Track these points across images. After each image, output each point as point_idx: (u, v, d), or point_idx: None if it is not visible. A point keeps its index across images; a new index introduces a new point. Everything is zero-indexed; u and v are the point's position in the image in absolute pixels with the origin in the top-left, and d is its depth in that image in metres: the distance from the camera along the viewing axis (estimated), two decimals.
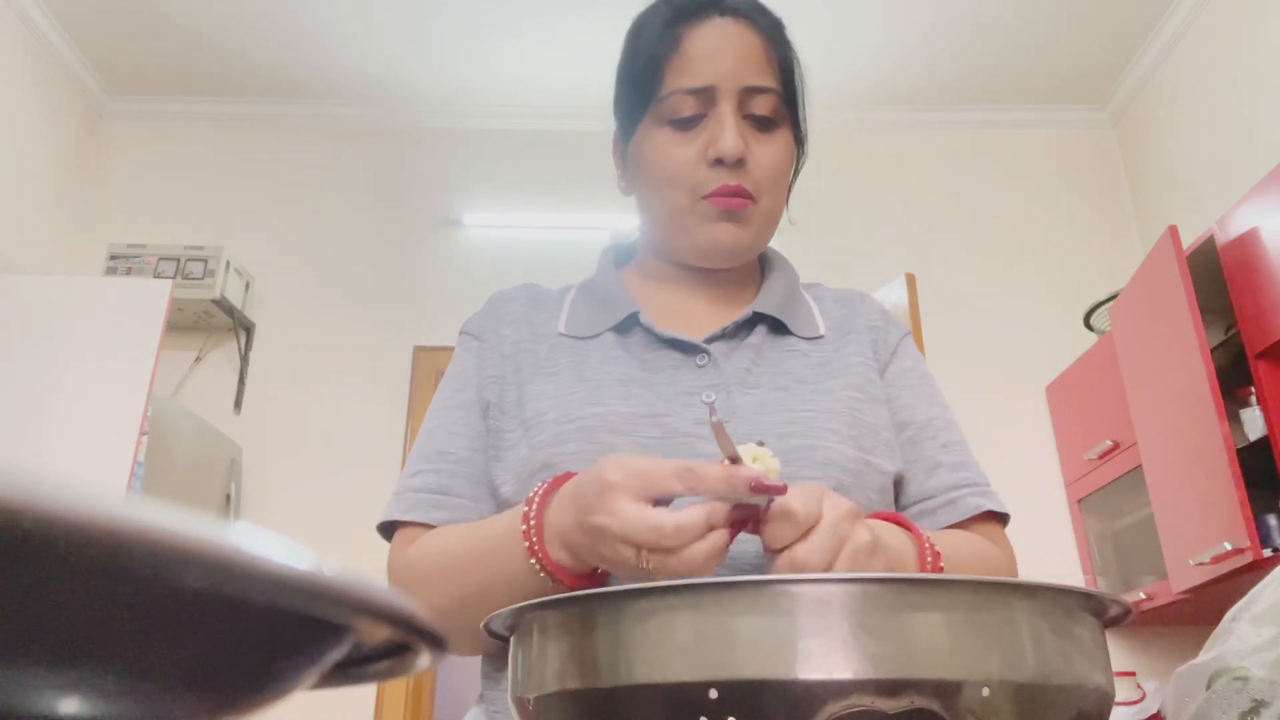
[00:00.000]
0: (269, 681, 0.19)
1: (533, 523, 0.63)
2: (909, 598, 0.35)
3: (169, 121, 3.35)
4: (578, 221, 3.20)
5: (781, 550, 0.56)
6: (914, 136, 3.38)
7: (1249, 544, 1.95)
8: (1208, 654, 0.58)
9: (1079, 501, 2.82)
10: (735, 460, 0.56)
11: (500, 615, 0.42)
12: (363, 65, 3.18)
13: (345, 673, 0.23)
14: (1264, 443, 2.09)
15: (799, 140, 0.85)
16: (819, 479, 0.72)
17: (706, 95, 0.79)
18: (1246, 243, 2.15)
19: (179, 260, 2.91)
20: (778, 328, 0.83)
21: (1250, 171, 2.48)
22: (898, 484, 0.80)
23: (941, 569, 0.65)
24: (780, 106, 0.81)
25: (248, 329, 3.05)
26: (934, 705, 0.33)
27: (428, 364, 3.03)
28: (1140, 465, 2.41)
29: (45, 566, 0.13)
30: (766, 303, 0.84)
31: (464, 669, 3.43)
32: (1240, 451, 2.04)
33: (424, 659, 0.23)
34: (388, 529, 0.79)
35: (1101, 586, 2.73)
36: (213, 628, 0.17)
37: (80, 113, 3.23)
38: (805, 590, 0.35)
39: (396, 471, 2.89)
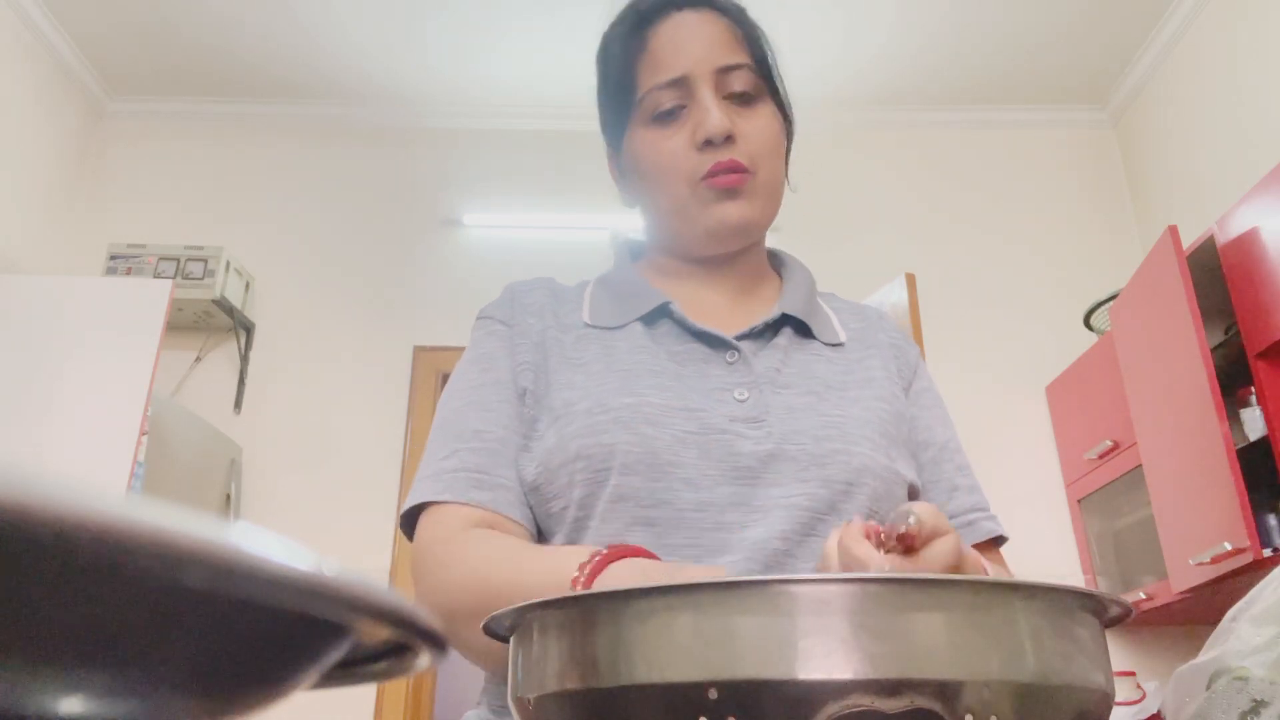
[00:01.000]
0: (269, 681, 0.19)
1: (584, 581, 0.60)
2: (909, 598, 0.35)
3: (169, 121, 3.35)
4: (578, 221, 3.20)
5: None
6: (914, 136, 3.38)
7: (1249, 544, 1.95)
8: (1208, 654, 0.58)
9: (1079, 501, 2.82)
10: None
11: (500, 615, 0.42)
12: (362, 65, 3.18)
13: (345, 673, 0.23)
14: (1264, 443, 2.09)
15: (784, 112, 0.86)
16: (854, 485, 0.73)
17: (682, 85, 0.79)
18: (1246, 243, 2.15)
19: (179, 260, 2.91)
20: (802, 330, 0.83)
21: (1250, 171, 2.48)
22: (913, 498, 0.81)
23: None
24: (757, 80, 0.82)
25: (248, 329, 3.05)
26: (934, 705, 0.33)
27: (428, 364, 3.03)
28: (1140, 465, 2.41)
29: (46, 566, 0.13)
30: (793, 304, 0.83)
31: (464, 669, 3.43)
32: (1240, 451, 2.04)
33: (424, 659, 0.23)
34: (412, 516, 0.74)
35: (1101, 586, 2.73)
36: (213, 628, 0.17)
37: (80, 113, 3.23)
38: (805, 590, 0.35)
39: (397, 471, 2.90)
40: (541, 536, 0.76)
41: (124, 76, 3.25)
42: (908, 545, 0.55)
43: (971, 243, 3.23)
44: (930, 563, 0.55)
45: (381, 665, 0.23)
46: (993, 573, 0.74)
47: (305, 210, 3.25)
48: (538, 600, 0.41)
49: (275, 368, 3.04)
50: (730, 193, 0.79)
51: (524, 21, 2.98)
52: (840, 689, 0.33)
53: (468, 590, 0.67)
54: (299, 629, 0.18)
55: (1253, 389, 2.16)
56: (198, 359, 3.04)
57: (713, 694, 0.34)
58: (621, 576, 0.59)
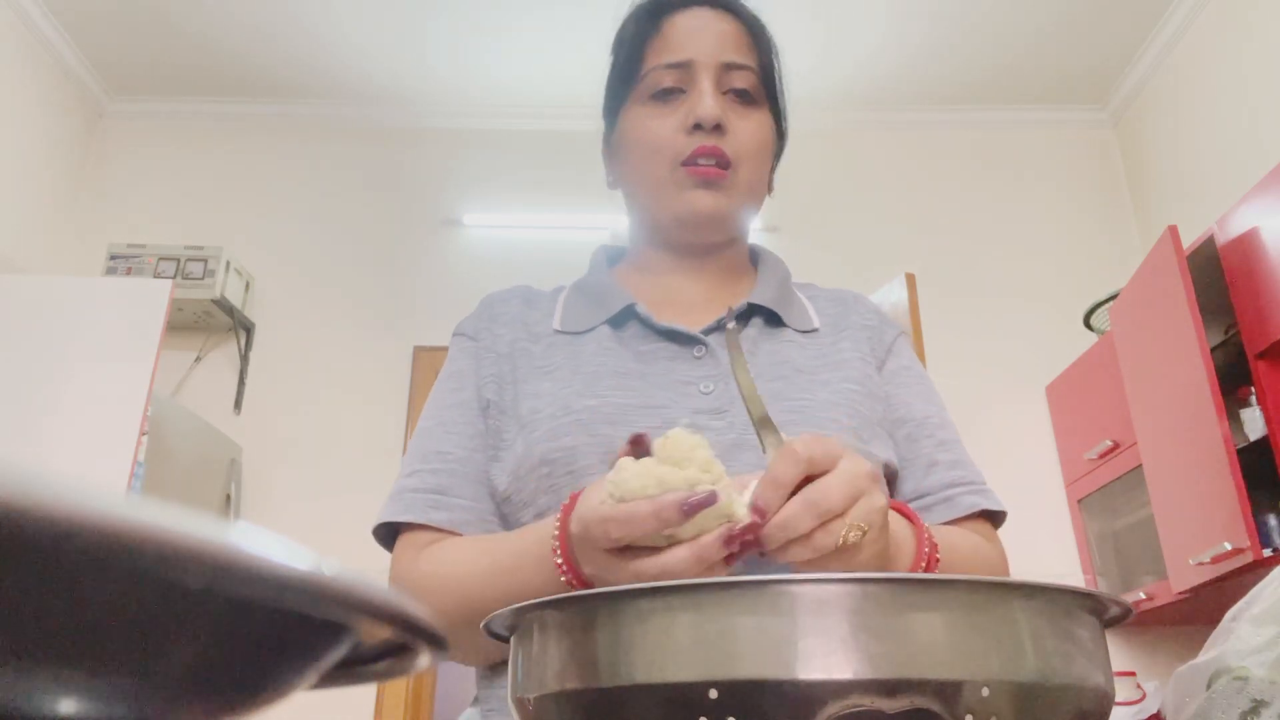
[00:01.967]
0: (269, 681, 0.19)
1: (558, 549, 0.61)
2: (909, 598, 0.35)
3: (169, 121, 3.35)
4: (578, 221, 3.20)
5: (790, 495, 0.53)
6: (914, 136, 3.38)
7: (1249, 544, 1.95)
8: (1208, 654, 0.58)
9: (1079, 501, 2.82)
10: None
11: (500, 615, 0.42)
12: (362, 65, 3.18)
13: (345, 673, 0.23)
14: (1264, 443, 2.09)
15: (779, 125, 0.87)
16: None
17: (685, 69, 0.81)
18: (1246, 243, 2.15)
19: (179, 260, 2.91)
20: (773, 320, 0.84)
21: (1250, 171, 2.48)
22: (892, 480, 0.80)
23: (938, 560, 0.64)
24: (759, 85, 0.84)
25: (248, 329, 3.05)
26: (934, 705, 0.33)
27: (428, 364, 3.03)
28: (1140, 465, 2.41)
29: (45, 566, 0.13)
30: (762, 295, 0.84)
31: (464, 669, 3.43)
32: (1240, 451, 2.04)
33: (424, 659, 0.23)
34: (384, 531, 0.78)
35: (1101, 586, 2.73)
36: (213, 628, 0.17)
37: (80, 113, 3.23)
38: (805, 590, 0.35)
39: (397, 471, 2.89)
40: None
41: (124, 76, 3.25)
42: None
43: (971, 243, 3.22)
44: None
45: (381, 665, 0.23)
46: (965, 545, 0.72)
47: (305, 210, 3.25)
48: (537, 600, 0.41)
49: (275, 368, 3.04)
50: (707, 183, 0.80)
51: (524, 22, 2.98)
52: (840, 689, 0.33)
53: (458, 594, 0.69)
54: (299, 629, 0.18)
55: (1253, 389, 2.16)
56: (198, 359, 3.04)
57: (713, 694, 0.34)
58: (589, 502, 0.58)
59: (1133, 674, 2.51)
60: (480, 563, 0.69)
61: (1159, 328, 2.27)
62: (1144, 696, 2.41)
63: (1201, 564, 2.10)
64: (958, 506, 0.78)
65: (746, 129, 0.82)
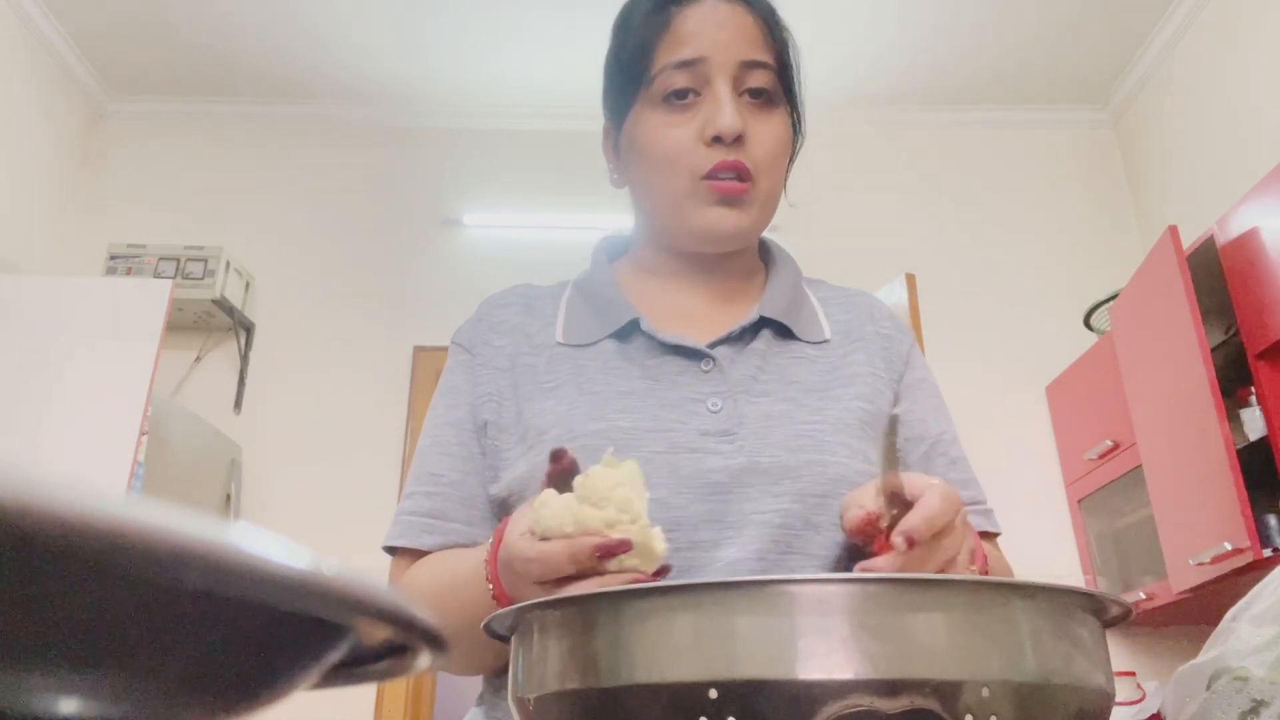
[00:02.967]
0: (269, 681, 0.19)
1: (488, 571, 0.64)
2: (909, 598, 0.35)
3: (169, 121, 3.35)
4: (578, 221, 3.20)
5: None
6: (914, 136, 3.38)
7: (1249, 544, 1.95)
8: (1208, 654, 0.58)
9: (1079, 501, 2.82)
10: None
11: (501, 615, 0.42)
12: (362, 66, 3.18)
13: (345, 673, 0.23)
14: (1264, 443, 2.09)
15: (795, 123, 0.83)
16: (828, 496, 0.71)
17: (699, 69, 0.76)
18: (1246, 243, 2.15)
19: (179, 260, 2.91)
20: (783, 332, 0.81)
21: (1250, 171, 2.48)
22: None
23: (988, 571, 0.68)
24: (777, 84, 0.79)
25: (248, 329, 3.05)
26: (933, 705, 0.33)
27: (428, 364, 3.03)
28: (1140, 465, 2.41)
29: (45, 566, 0.13)
30: (772, 306, 0.81)
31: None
32: (1240, 451, 2.04)
33: (424, 659, 0.23)
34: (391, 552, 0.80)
35: (1101, 586, 2.73)
36: (213, 628, 0.17)
37: (80, 113, 3.23)
38: (805, 590, 0.35)
39: (396, 471, 2.90)
40: None
41: (124, 76, 3.25)
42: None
43: (971, 243, 3.22)
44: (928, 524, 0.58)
45: (381, 665, 0.23)
46: (991, 562, 0.75)
47: (305, 210, 3.25)
48: (537, 600, 0.41)
49: (275, 368, 3.04)
50: (729, 200, 0.77)
51: (525, 22, 2.98)
52: (840, 689, 0.33)
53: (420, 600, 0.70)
54: (299, 629, 0.18)
55: (1253, 389, 2.15)
56: (198, 359, 3.04)
57: (713, 694, 0.34)
58: (513, 533, 0.61)
59: (1133, 674, 2.51)
60: (441, 580, 0.71)
61: (1159, 328, 2.27)
62: (1144, 696, 2.41)
63: (1201, 564, 2.10)
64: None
65: (767, 135, 0.78)
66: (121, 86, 3.30)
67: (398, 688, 2.70)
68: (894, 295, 2.55)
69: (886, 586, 0.35)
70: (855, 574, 0.44)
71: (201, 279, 2.88)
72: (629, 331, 0.80)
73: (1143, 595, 2.47)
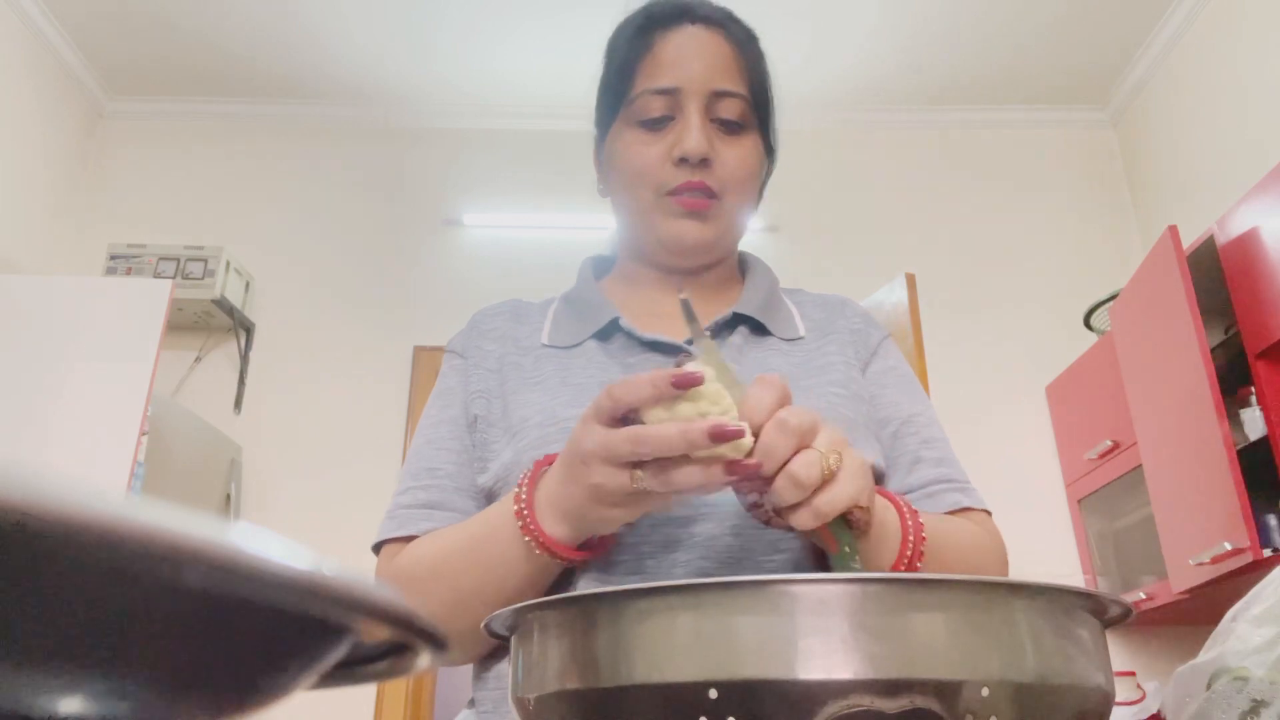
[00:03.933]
0: (269, 681, 0.19)
1: (524, 502, 0.64)
2: (909, 597, 0.35)
3: (169, 121, 3.35)
4: (578, 221, 3.20)
5: (777, 472, 0.55)
6: (913, 136, 3.38)
7: (1249, 544, 1.95)
8: (1208, 654, 0.58)
9: (1079, 501, 2.82)
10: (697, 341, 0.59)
11: (500, 615, 0.42)
12: (362, 66, 3.18)
13: (345, 673, 0.23)
14: (1264, 443, 2.09)
15: (769, 148, 0.87)
16: None
17: (674, 97, 0.81)
18: (1246, 243, 2.15)
19: (179, 260, 2.91)
20: (759, 330, 0.85)
21: (1250, 171, 2.48)
22: (879, 482, 0.80)
23: (923, 553, 0.65)
24: (748, 112, 0.83)
25: (248, 329, 3.05)
26: (934, 705, 0.33)
27: (428, 364, 3.03)
28: (1140, 465, 2.41)
29: (45, 566, 0.13)
30: (748, 304, 0.85)
31: (464, 669, 3.43)
32: (1240, 451, 2.04)
33: (424, 659, 0.23)
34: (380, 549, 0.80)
35: (1101, 586, 2.73)
36: (213, 628, 0.17)
37: (80, 113, 3.23)
38: (805, 590, 0.35)
39: (396, 471, 2.90)
40: None
41: (124, 76, 3.25)
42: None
43: (971, 243, 3.22)
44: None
45: (381, 665, 0.23)
46: (954, 527, 0.73)
47: (305, 210, 3.25)
48: (537, 600, 0.41)
49: (275, 368, 3.04)
50: (693, 213, 0.81)
51: (525, 22, 2.98)
52: (840, 689, 0.33)
53: (434, 582, 0.71)
54: (299, 629, 0.18)
55: (1253, 389, 2.16)
56: (198, 359, 3.04)
57: (713, 694, 0.34)
58: (553, 468, 0.64)
59: (1133, 674, 2.51)
60: (456, 540, 0.71)
61: (1159, 328, 2.27)
62: (1144, 696, 2.41)
63: (1201, 564, 2.10)
64: (940, 503, 0.78)
65: (734, 158, 0.82)
66: (121, 86, 3.30)
67: (398, 688, 2.70)
68: (894, 295, 2.54)
69: (887, 586, 0.35)
70: (856, 574, 0.44)
71: (201, 279, 2.88)
72: (610, 331, 0.83)
73: (1143, 595, 2.47)
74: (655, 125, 0.82)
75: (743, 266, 0.94)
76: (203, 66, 3.19)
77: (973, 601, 0.35)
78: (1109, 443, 2.58)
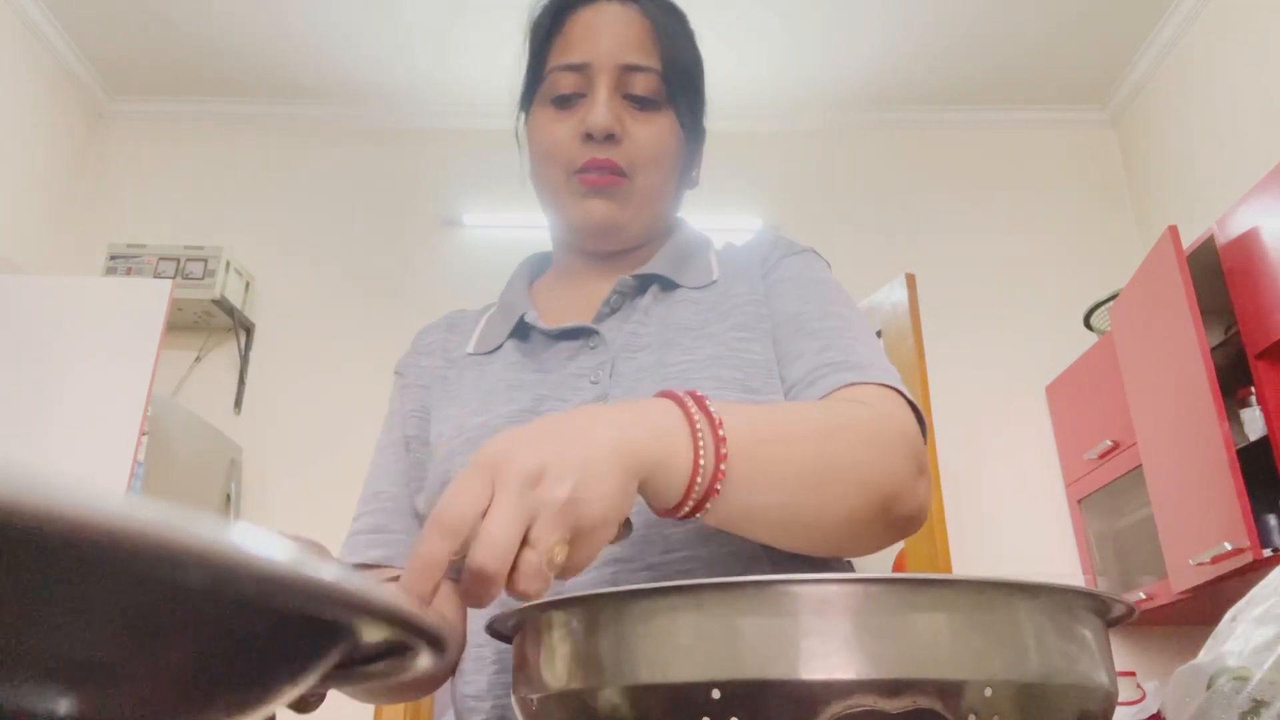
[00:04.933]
0: (269, 681, 0.19)
1: None
2: (911, 597, 0.34)
3: (169, 121, 3.35)
4: None
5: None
6: (914, 136, 3.38)
7: (1249, 544, 1.95)
8: (1208, 654, 0.58)
9: (1079, 501, 2.82)
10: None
11: (503, 615, 0.42)
12: (363, 65, 3.18)
13: (345, 673, 0.23)
14: (1264, 443, 2.09)
15: (691, 125, 0.83)
16: None
17: (584, 73, 0.79)
18: (1246, 243, 2.15)
19: (179, 260, 2.91)
20: (668, 285, 0.82)
21: (1250, 171, 2.48)
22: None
23: (724, 454, 0.52)
24: (660, 86, 0.80)
25: (248, 329, 3.05)
26: (936, 705, 0.33)
27: None
28: (1140, 465, 2.41)
29: (46, 566, 0.13)
30: (656, 264, 0.82)
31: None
32: (1240, 451, 2.04)
33: (424, 659, 0.23)
34: None
35: (1102, 586, 2.73)
36: (213, 628, 0.17)
37: (80, 113, 3.23)
38: (807, 590, 0.35)
39: None
40: None
41: (124, 76, 3.25)
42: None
43: (971, 242, 3.22)
44: None
45: (381, 665, 0.23)
46: (784, 412, 0.60)
47: (305, 210, 3.25)
48: (539, 601, 0.41)
49: (275, 368, 3.04)
50: (599, 191, 0.79)
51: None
52: (843, 689, 0.33)
53: None
54: (299, 629, 0.18)
55: (1253, 389, 2.15)
56: (198, 359, 3.04)
57: (715, 694, 0.34)
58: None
59: (1133, 674, 2.51)
60: None
61: (1159, 328, 2.27)
62: (1144, 696, 2.42)
63: (1201, 564, 2.10)
64: (818, 390, 0.68)
65: (644, 135, 0.79)
66: (121, 86, 3.30)
67: None
68: (894, 295, 2.54)
69: (889, 586, 0.35)
70: (857, 574, 0.44)
71: (201, 279, 2.88)
72: (525, 330, 0.82)
73: (1143, 595, 2.47)
74: (565, 102, 0.80)
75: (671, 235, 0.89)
76: (203, 66, 3.19)
77: (975, 601, 0.35)
78: (1109, 443, 2.58)
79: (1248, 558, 1.95)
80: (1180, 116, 2.99)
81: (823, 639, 0.33)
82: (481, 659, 0.75)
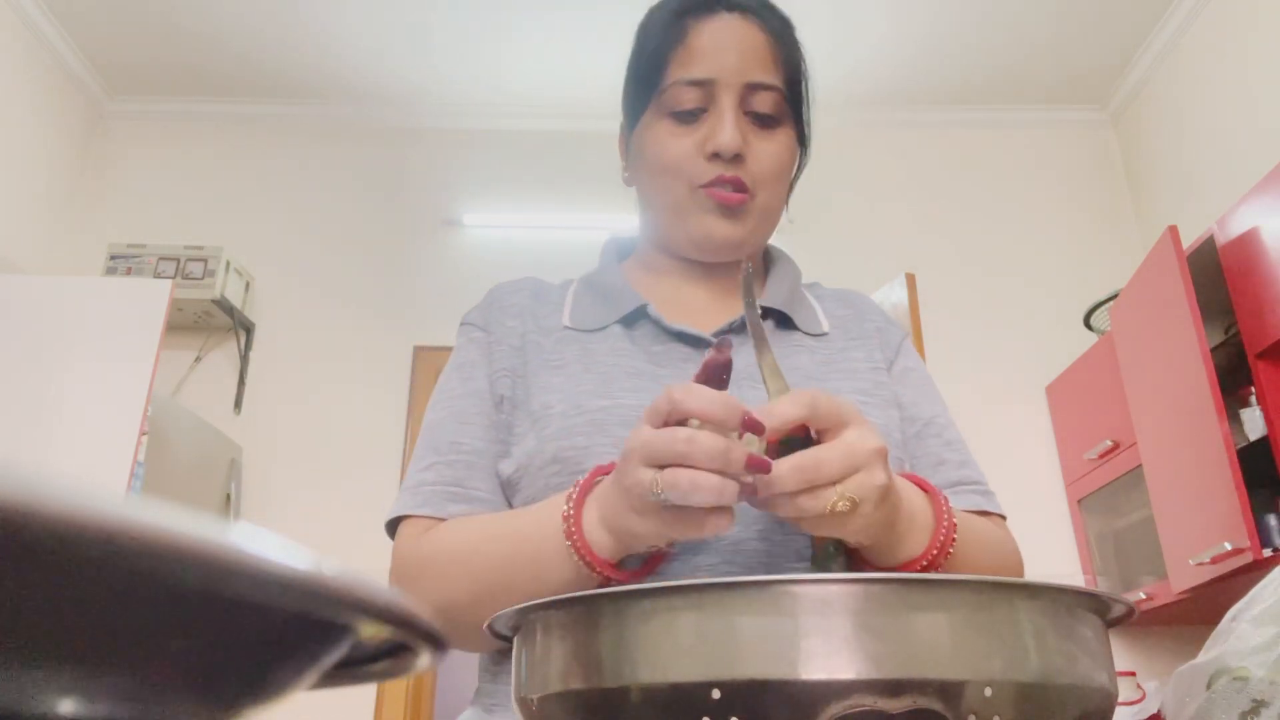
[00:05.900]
0: (269, 681, 0.19)
1: (572, 503, 0.62)
2: (911, 598, 0.35)
3: (169, 121, 3.35)
4: (578, 221, 3.20)
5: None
6: (914, 136, 3.38)
7: (1249, 544, 1.95)
8: (1208, 654, 0.58)
9: (1079, 501, 2.82)
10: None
11: (504, 615, 0.42)
12: (362, 66, 3.18)
13: (345, 673, 0.23)
14: (1264, 443, 2.09)
15: (802, 140, 0.85)
16: None
17: (708, 88, 0.79)
18: (1246, 243, 2.15)
19: (179, 260, 2.91)
20: (784, 323, 0.83)
21: (1250, 171, 2.48)
22: None
23: (954, 540, 0.64)
24: (783, 105, 0.80)
25: (248, 329, 3.05)
26: (936, 705, 0.33)
27: (428, 364, 3.03)
28: (1140, 465, 2.41)
29: (45, 566, 0.13)
30: (774, 298, 0.83)
31: (464, 669, 3.43)
32: (1240, 451, 2.04)
33: (424, 659, 0.23)
34: (396, 525, 0.76)
35: (1101, 587, 2.72)
36: (213, 628, 0.17)
37: (80, 113, 3.23)
38: (808, 590, 0.35)
39: (397, 471, 2.90)
40: None
41: (124, 76, 3.25)
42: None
43: (971, 242, 3.22)
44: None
45: (381, 665, 0.23)
46: (980, 524, 0.73)
47: (305, 210, 3.25)
48: (540, 601, 0.41)
49: (275, 368, 3.04)
50: (726, 209, 0.79)
51: (526, 23, 2.98)
52: (843, 689, 0.33)
53: (462, 574, 0.68)
54: (299, 629, 0.18)
55: (1253, 389, 2.15)
56: (198, 359, 3.04)
57: (716, 694, 0.34)
58: (605, 494, 0.61)
59: (1133, 674, 2.51)
60: (490, 535, 0.68)
61: (1159, 328, 2.27)
62: (1144, 696, 2.42)
63: (1201, 564, 2.10)
64: (961, 503, 0.77)
65: (767, 153, 0.79)
66: (121, 86, 3.30)
67: (398, 688, 2.70)
68: (894, 295, 2.54)
69: (889, 586, 0.35)
70: (857, 574, 0.44)
71: (201, 279, 2.88)
72: (636, 318, 0.82)
73: (1143, 595, 2.47)
74: (687, 117, 0.79)
75: (767, 259, 0.92)
76: (203, 66, 3.19)
77: (975, 601, 0.35)
78: (1109, 443, 2.58)
79: (1248, 558, 1.95)
80: (1180, 116, 2.99)
81: (823, 639, 0.33)
82: None
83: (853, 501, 0.54)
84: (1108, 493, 2.69)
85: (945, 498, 0.66)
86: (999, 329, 3.09)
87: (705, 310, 0.84)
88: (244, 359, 3.02)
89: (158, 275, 2.86)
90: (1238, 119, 2.69)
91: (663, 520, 0.57)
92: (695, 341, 0.79)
